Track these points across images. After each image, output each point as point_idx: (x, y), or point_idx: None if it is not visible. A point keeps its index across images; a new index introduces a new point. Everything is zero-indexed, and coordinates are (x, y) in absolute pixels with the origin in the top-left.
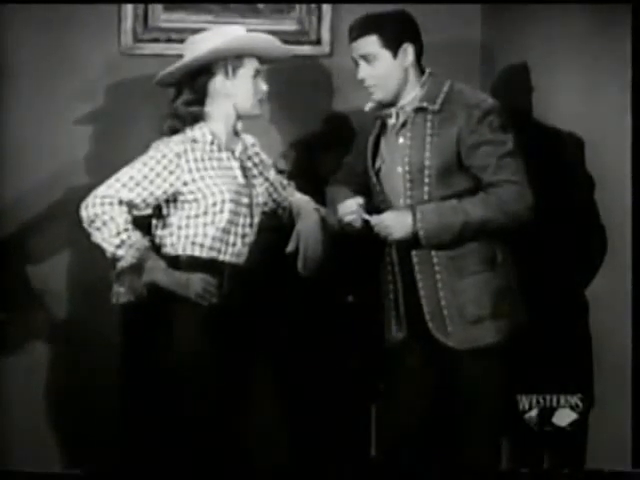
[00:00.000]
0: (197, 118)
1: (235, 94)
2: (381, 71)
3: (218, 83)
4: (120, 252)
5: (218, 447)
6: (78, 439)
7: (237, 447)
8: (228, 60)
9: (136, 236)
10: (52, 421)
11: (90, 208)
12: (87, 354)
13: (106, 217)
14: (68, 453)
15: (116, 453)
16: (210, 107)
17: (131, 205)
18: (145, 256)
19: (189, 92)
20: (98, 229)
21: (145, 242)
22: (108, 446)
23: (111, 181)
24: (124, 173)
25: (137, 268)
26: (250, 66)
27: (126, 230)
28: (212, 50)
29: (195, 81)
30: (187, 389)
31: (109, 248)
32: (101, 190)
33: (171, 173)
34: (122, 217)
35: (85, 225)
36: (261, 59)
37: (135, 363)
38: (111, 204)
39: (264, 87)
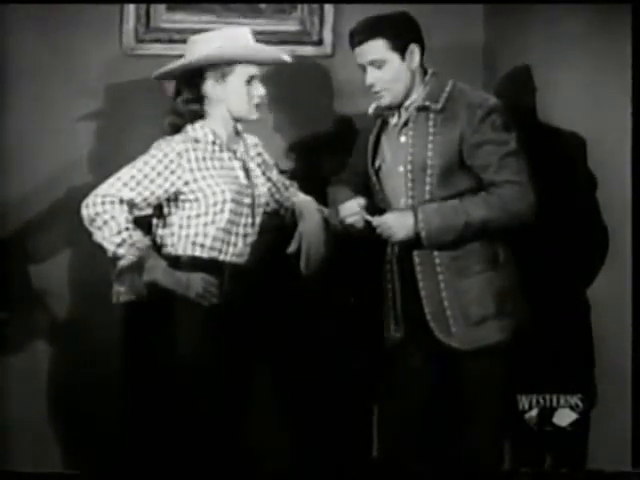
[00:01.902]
0: (196, 115)
1: (226, 99)
2: (390, 75)
3: (209, 87)
4: (121, 251)
5: (218, 447)
6: (78, 439)
7: (238, 447)
8: (219, 66)
9: (137, 235)
10: (52, 421)
11: (91, 207)
12: (87, 354)
13: (107, 216)
14: (68, 453)
15: (116, 453)
16: (208, 107)
17: (132, 204)
18: (146, 255)
19: (187, 91)
20: (99, 228)
21: (146, 241)
22: (108, 446)
23: (112, 180)
24: (125, 172)
25: (137, 267)
26: (242, 72)
27: (127, 229)
28: (200, 56)
29: (191, 82)
30: (188, 389)
31: (110, 247)
32: (102, 189)
33: (172, 172)
34: (123, 216)
35: (86, 224)
36: (259, 63)
37: (136, 363)
38: (112, 203)
39: (261, 92)
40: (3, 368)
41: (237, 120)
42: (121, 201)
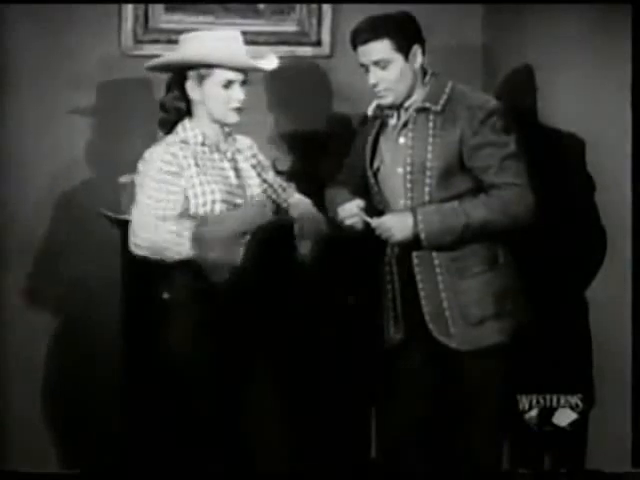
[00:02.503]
0: (181, 112)
1: (204, 101)
2: (394, 75)
3: (189, 88)
4: (200, 245)
5: (218, 447)
6: (77, 439)
7: (237, 448)
8: (197, 68)
9: (188, 224)
10: (51, 421)
11: (142, 244)
12: (87, 354)
13: (157, 238)
14: (67, 453)
15: (116, 453)
16: (194, 107)
17: (166, 219)
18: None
19: (175, 89)
20: (165, 249)
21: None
22: (108, 446)
23: (136, 216)
24: (141, 201)
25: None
26: (219, 76)
27: (182, 231)
28: (179, 57)
29: (177, 80)
30: (186, 389)
31: (191, 252)
32: (134, 227)
33: (176, 174)
34: (170, 224)
35: (155, 258)
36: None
37: (135, 363)
38: (155, 227)
39: (240, 96)
40: (2, 368)
41: (217, 123)
42: (157, 219)
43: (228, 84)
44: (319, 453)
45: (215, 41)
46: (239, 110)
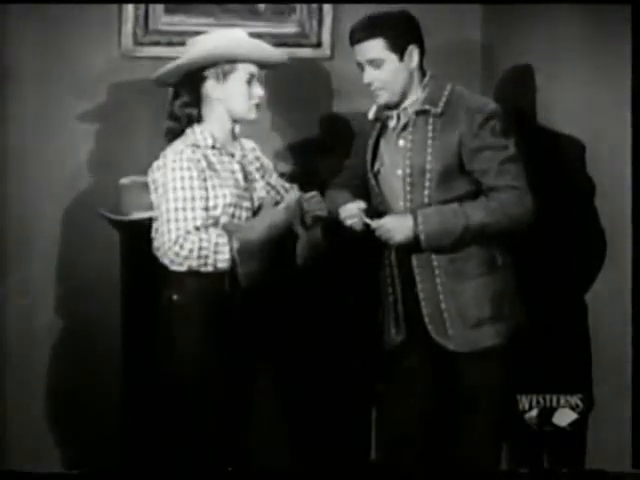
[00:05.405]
0: (192, 119)
1: (227, 98)
2: (388, 75)
3: (210, 87)
4: (239, 254)
5: (218, 448)
6: (78, 439)
7: (237, 448)
8: (220, 65)
9: (222, 237)
10: (52, 421)
11: (187, 257)
12: (87, 354)
13: (194, 246)
14: (68, 453)
15: (116, 453)
16: (206, 110)
17: (198, 228)
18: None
19: (186, 94)
20: (206, 257)
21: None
22: (108, 446)
23: (173, 226)
24: (171, 212)
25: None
26: (243, 71)
27: (218, 241)
28: (202, 55)
29: (190, 83)
30: (187, 390)
31: (228, 262)
32: (175, 239)
33: (199, 179)
34: (209, 236)
35: (195, 267)
36: (260, 63)
37: (136, 364)
38: (185, 238)
39: (260, 92)
40: (3, 368)
41: (235, 121)
42: (188, 232)
43: (250, 79)
44: (319, 454)
45: (234, 37)
46: (258, 106)
